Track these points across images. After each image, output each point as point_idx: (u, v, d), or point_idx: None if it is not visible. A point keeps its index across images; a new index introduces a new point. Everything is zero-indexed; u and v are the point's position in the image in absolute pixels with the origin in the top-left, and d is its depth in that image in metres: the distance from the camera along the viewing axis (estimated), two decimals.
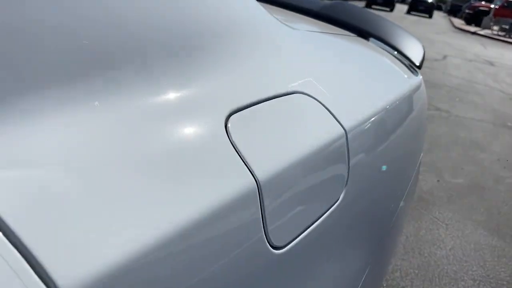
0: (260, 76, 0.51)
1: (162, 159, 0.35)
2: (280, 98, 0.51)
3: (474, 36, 14.98)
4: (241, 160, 0.40)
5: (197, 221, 0.34)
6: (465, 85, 5.88)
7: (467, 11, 21.96)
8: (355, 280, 0.66)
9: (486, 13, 20.32)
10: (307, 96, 0.55)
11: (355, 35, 1.04)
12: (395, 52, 1.03)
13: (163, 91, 0.40)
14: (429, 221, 2.22)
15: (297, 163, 0.46)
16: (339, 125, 0.56)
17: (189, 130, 0.39)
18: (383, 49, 1.03)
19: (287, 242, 0.45)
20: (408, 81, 0.89)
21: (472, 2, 24.45)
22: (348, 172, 0.56)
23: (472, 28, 17.94)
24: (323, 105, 0.56)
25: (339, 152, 0.55)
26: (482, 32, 16.61)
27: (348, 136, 0.56)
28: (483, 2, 23.45)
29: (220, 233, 0.37)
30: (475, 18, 20.62)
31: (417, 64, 0.97)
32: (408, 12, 23.82)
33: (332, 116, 0.56)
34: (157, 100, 0.39)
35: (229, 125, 0.42)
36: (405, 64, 0.98)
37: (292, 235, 0.46)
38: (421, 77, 0.98)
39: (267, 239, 0.42)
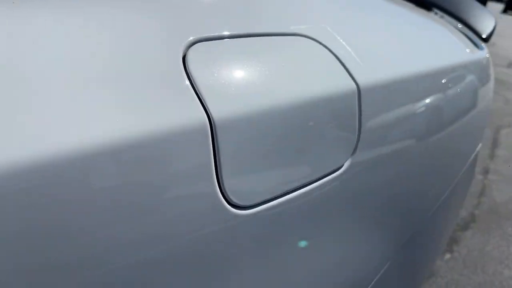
0: (264, 8, 0.43)
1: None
2: (273, 37, 0.42)
3: None
4: (194, 94, 0.33)
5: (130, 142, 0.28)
6: None
7: None
8: (365, 275, 0.55)
9: None
10: (314, 42, 0.46)
11: (413, 4, 0.91)
12: (459, 24, 0.88)
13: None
14: (498, 236, 1.95)
15: (271, 109, 0.37)
16: (351, 79, 0.46)
17: (143, 49, 0.32)
18: (446, 21, 0.89)
19: (253, 203, 0.37)
20: (465, 52, 0.75)
21: None
22: (358, 138, 0.46)
23: None
24: (334, 54, 0.46)
25: (345, 111, 0.45)
26: None
27: (362, 94, 0.46)
28: None
29: (162, 159, 0.30)
30: None
31: (484, 36, 0.81)
32: (504, 11, 21.55)
33: (343, 68, 0.46)
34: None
35: (189, 53, 0.35)
36: (468, 37, 0.82)
37: (260, 196, 0.37)
38: (487, 52, 0.82)
39: (222, 194, 0.34)
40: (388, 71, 0.51)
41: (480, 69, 0.79)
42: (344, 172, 0.45)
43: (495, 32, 0.85)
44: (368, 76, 0.47)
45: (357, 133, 0.46)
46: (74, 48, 0.29)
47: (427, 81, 0.60)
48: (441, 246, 0.89)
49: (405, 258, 0.65)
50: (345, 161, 0.45)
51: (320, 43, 0.46)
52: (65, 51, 0.29)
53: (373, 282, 0.57)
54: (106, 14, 0.33)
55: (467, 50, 0.78)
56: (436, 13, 0.89)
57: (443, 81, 0.64)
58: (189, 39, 0.35)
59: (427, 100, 0.59)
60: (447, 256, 1.81)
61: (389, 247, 0.58)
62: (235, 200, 0.35)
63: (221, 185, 0.34)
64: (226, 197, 0.34)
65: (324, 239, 0.46)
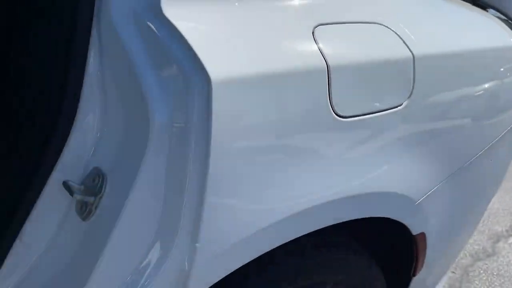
0: (355, 7, 0.72)
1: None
2: (361, 24, 0.71)
3: None
4: (319, 51, 0.62)
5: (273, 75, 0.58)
6: None
7: None
8: (420, 187, 0.80)
9: None
10: (386, 28, 0.73)
11: (469, 3, 1.13)
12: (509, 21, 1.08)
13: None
14: None
15: (364, 63, 0.66)
16: (408, 50, 0.72)
17: (287, 27, 0.62)
18: (499, 18, 1.10)
19: (351, 114, 0.64)
20: (508, 39, 0.96)
21: None
22: (413, 87, 0.72)
23: None
24: (398, 36, 0.73)
25: (405, 69, 0.71)
26: None
27: (416, 59, 0.72)
28: None
29: (288, 92, 0.59)
30: None
31: None
32: None
33: (404, 44, 0.73)
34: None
35: (316, 30, 0.64)
36: None
37: (355, 111, 0.65)
38: None
39: (332, 108, 0.63)
40: (435, 46, 0.77)
41: None
42: (404, 108, 0.71)
43: None
44: (420, 49, 0.74)
45: (412, 84, 0.72)
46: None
47: (472, 56, 0.84)
48: (487, 195, 1.09)
49: (454, 188, 0.89)
50: (404, 101, 0.71)
51: (390, 28, 0.73)
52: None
53: (425, 196, 0.82)
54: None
55: (511, 39, 0.99)
56: (488, 11, 1.11)
57: (485, 57, 0.87)
58: (315, 23, 0.65)
59: (471, 69, 0.83)
60: (511, 239, 1.92)
61: (439, 172, 0.83)
62: (339, 112, 0.63)
63: (331, 102, 0.62)
64: (334, 110, 0.63)
65: (389, 153, 0.73)
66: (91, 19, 0.55)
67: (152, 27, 0.54)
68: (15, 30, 0.58)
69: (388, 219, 0.79)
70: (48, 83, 0.57)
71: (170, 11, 0.54)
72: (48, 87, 0.57)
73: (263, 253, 0.64)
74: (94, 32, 0.56)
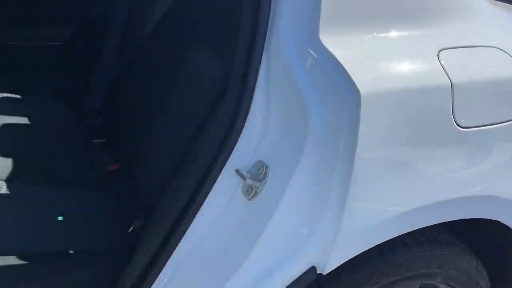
0: (471, 33, 0.83)
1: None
2: (478, 47, 0.81)
3: None
4: (443, 71, 0.73)
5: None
6: None
7: None
8: None
9: None
10: (502, 51, 0.82)
11: None
12: None
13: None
14: None
15: (482, 80, 0.76)
16: None
17: (417, 50, 0.75)
18: None
19: (470, 125, 0.75)
20: None
21: None
22: None
23: None
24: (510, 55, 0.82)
25: None
26: None
27: None
28: None
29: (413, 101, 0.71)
30: None
31: None
32: None
33: None
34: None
35: (440, 53, 0.76)
36: None
37: (474, 122, 0.75)
38: None
39: (454, 119, 0.73)
40: None
41: None
42: None
43: None
44: None
45: None
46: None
47: None
48: None
49: None
50: None
51: (504, 51, 0.82)
52: None
53: None
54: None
55: None
56: None
57: None
58: (439, 48, 0.76)
59: None
60: None
61: None
62: (460, 123, 0.74)
63: (454, 114, 0.73)
64: (456, 121, 0.73)
65: (502, 161, 0.81)
66: (263, 43, 0.72)
67: (312, 52, 0.70)
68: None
69: (497, 223, 0.87)
70: (230, 93, 0.75)
71: (325, 40, 0.69)
72: (229, 96, 0.75)
73: (386, 240, 0.76)
74: (264, 54, 0.72)
